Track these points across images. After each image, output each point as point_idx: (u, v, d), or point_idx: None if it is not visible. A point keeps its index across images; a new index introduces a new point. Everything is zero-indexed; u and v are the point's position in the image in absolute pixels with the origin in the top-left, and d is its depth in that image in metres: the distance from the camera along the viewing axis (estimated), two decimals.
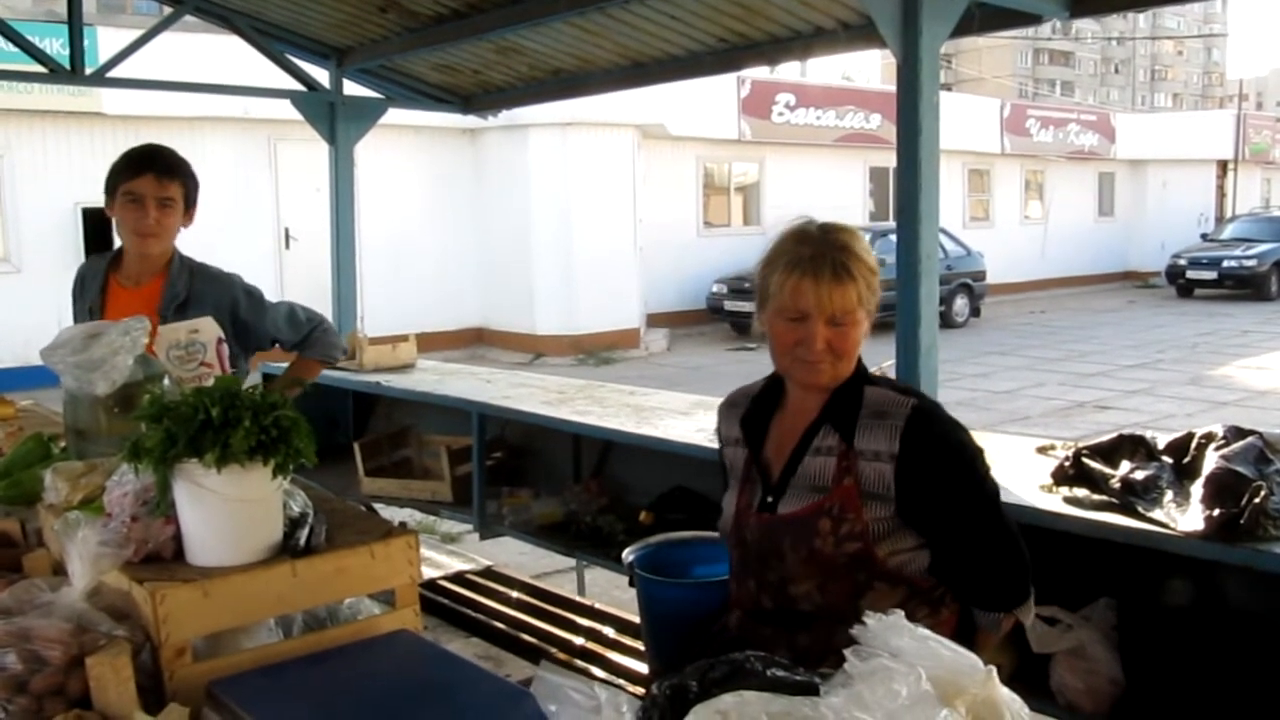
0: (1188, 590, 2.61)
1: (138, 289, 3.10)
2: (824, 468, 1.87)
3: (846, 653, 1.03)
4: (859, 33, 4.55)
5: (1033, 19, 4.16)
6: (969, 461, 1.90)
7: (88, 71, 5.62)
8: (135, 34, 5.90)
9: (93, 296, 3.11)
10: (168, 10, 5.85)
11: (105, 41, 10.28)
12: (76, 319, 3.10)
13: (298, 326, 3.27)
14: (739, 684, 1.15)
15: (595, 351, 14.89)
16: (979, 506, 1.90)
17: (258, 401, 1.57)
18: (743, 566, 1.98)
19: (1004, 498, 1.96)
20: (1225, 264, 22.05)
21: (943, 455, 1.86)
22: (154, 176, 2.96)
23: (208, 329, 2.35)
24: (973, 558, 1.90)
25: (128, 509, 1.62)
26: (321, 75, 6.06)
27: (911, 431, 1.82)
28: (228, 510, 1.57)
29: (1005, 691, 1.03)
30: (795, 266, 1.83)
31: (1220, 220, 27.08)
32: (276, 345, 3.29)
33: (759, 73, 17.84)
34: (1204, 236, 24.51)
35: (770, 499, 1.94)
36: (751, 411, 2.05)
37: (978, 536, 1.89)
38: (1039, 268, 23.99)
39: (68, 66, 5.41)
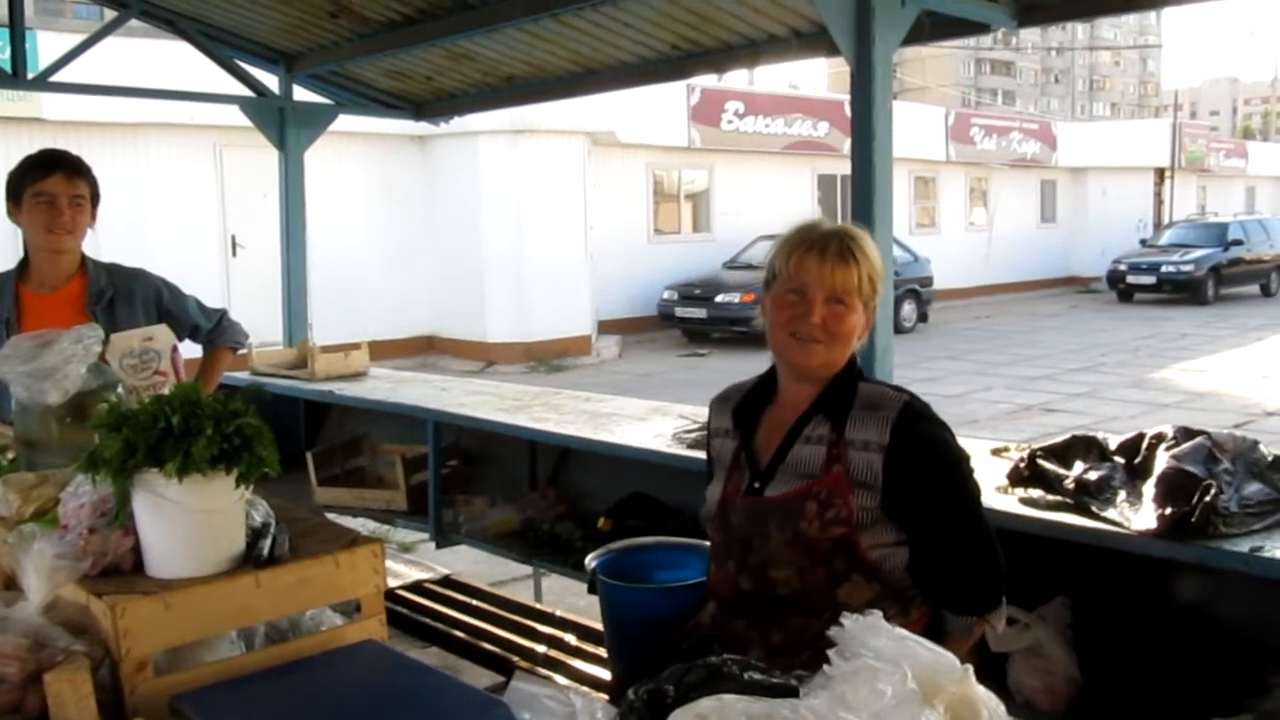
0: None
1: (55, 294, 3.09)
2: (813, 455, 1.91)
3: (830, 653, 1.04)
4: (810, 40, 4.59)
5: (981, 28, 4.23)
6: (954, 462, 1.94)
7: (30, 76, 5.49)
8: (76, 38, 5.79)
9: (5, 311, 3.06)
10: (111, 14, 5.75)
11: (45, 45, 10.06)
12: None
13: (209, 314, 3.38)
14: (716, 688, 1.15)
15: (546, 358, 14.85)
16: (961, 507, 1.94)
17: (220, 410, 1.54)
18: (724, 549, 2.00)
19: (980, 493, 1.99)
20: (1164, 269, 22.60)
21: (930, 452, 1.90)
22: (63, 175, 2.99)
23: (162, 337, 2.31)
24: (950, 558, 1.93)
25: (85, 520, 1.58)
26: (271, 81, 5.98)
27: (902, 425, 1.87)
28: (189, 521, 1.54)
29: (982, 690, 1.04)
30: (802, 244, 1.93)
31: (1158, 226, 27.75)
32: (190, 336, 3.32)
33: (708, 80, 17.93)
34: (1143, 242, 25.08)
35: (758, 484, 1.96)
36: (743, 404, 2.08)
37: (957, 537, 1.92)
38: (984, 273, 24.37)
39: (9, 70, 5.29)
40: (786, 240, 1.96)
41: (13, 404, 1.99)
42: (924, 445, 1.89)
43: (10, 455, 2.11)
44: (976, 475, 1.98)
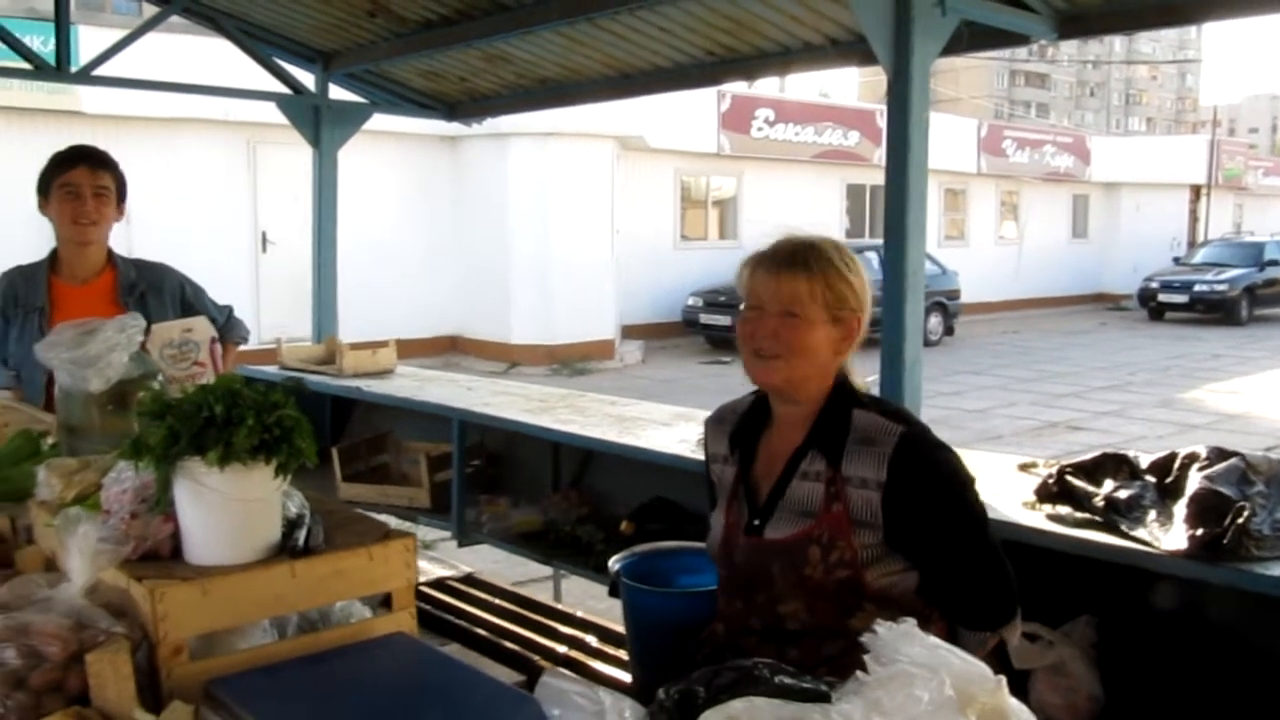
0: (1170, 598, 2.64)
1: (86, 285, 3.19)
2: (812, 493, 1.86)
3: (866, 659, 1.04)
4: (845, 49, 4.59)
5: (1021, 39, 4.20)
6: (956, 489, 1.89)
7: (72, 70, 5.57)
8: (115, 33, 5.87)
9: (39, 300, 3.15)
10: (151, 9, 5.82)
11: (86, 40, 10.20)
12: (9, 327, 3.14)
13: (220, 310, 3.47)
14: (746, 690, 1.16)
15: (570, 362, 14.89)
16: (965, 533, 1.90)
17: (260, 400, 1.57)
18: (730, 586, 1.98)
19: (986, 514, 1.97)
20: (1197, 288, 22.34)
21: (929, 483, 1.85)
22: (87, 168, 3.10)
23: (201, 328, 2.35)
24: (959, 581, 1.90)
25: (127, 506, 1.61)
26: (307, 79, 6.04)
27: (899, 459, 1.81)
28: (228, 509, 1.56)
29: (1014, 702, 1.05)
30: (761, 262, 1.90)
31: (1192, 244, 27.47)
32: None
33: (739, 87, 17.95)
34: (1176, 260, 24.82)
35: (758, 521, 1.92)
36: (739, 429, 2.03)
37: (964, 561, 1.89)
38: (1013, 288, 24.23)
39: (53, 63, 5.37)
40: (749, 259, 1.92)
41: (56, 389, 2.03)
42: (923, 478, 1.84)
43: (52, 440, 2.15)
44: (980, 494, 1.94)
